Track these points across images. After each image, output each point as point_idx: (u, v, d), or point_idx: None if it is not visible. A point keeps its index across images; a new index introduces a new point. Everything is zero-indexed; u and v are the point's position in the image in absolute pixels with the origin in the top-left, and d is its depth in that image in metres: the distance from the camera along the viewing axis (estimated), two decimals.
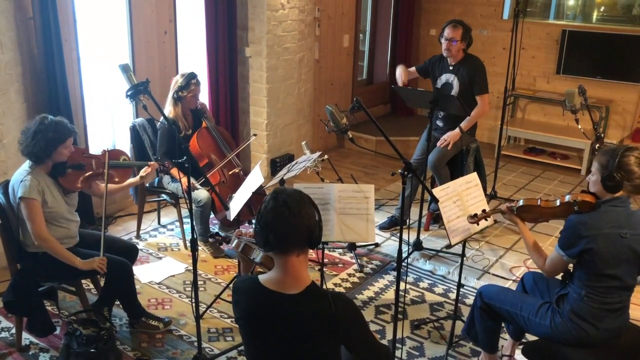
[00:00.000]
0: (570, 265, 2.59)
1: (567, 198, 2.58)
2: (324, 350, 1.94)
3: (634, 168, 2.40)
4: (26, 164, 2.99)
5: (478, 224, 2.87)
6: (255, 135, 4.59)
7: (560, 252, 2.52)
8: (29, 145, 2.90)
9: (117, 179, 3.30)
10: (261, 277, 1.96)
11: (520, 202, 2.75)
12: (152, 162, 3.42)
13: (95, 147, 4.53)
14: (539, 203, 2.69)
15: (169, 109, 4.13)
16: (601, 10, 6.35)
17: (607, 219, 2.44)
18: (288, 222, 1.84)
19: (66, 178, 3.06)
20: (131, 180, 3.42)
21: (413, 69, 4.58)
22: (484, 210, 2.87)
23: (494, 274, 4.09)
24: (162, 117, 2.94)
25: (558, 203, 2.61)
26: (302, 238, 1.88)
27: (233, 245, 2.53)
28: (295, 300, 1.88)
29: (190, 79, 4.06)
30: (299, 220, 1.86)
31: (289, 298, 1.89)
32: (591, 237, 2.41)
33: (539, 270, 2.75)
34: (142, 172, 3.40)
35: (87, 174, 3.13)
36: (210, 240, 4.17)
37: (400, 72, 4.37)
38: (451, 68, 4.34)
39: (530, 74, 6.72)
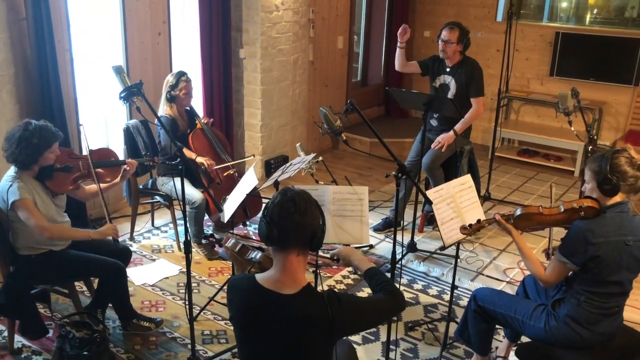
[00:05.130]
0: None
1: (572, 204, 2.48)
2: (317, 351, 1.94)
3: (625, 168, 2.40)
4: (11, 170, 2.95)
5: (471, 235, 2.79)
6: (253, 155, 4.67)
7: (563, 260, 2.46)
8: (14, 153, 2.86)
9: (108, 178, 3.28)
10: (258, 276, 1.95)
11: (518, 211, 2.62)
12: (130, 160, 3.39)
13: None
14: (540, 210, 2.57)
15: (163, 110, 4.12)
16: (594, 12, 6.38)
17: (614, 226, 2.42)
18: (293, 218, 1.86)
19: (54, 181, 3.03)
20: (114, 181, 3.37)
21: (414, 62, 4.59)
22: (478, 221, 2.73)
23: (487, 276, 4.09)
24: (157, 118, 2.91)
25: (562, 209, 2.52)
26: (304, 237, 1.89)
27: (230, 245, 2.51)
28: (290, 301, 1.88)
29: (180, 77, 4.06)
30: (304, 218, 1.87)
31: (284, 298, 1.88)
32: (598, 245, 2.38)
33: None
34: (126, 168, 3.36)
35: (74, 176, 3.11)
36: (204, 242, 4.17)
37: (401, 30, 4.38)
38: (448, 70, 4.35)
39: (524, 75, 6.74)
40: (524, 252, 2.62)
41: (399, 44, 4.45)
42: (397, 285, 3.75)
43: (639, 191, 2.46)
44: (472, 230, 2.70)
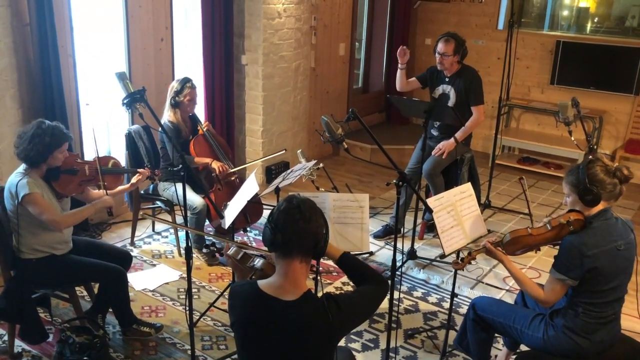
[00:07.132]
0: None
1: (559, 220, 2.50)
2: (318, 356, 1.96)
3: (602, 176, 2.44)
4: (20, 168, 3.00)
5: (463, 270, 2.83)
6: (285, 150, 4.66)
7: (560, 277, 2.45)
8: (25, 149, 2.93)
9: (112, 185, 3.31)
10: (260, 282, 1.98)
11: (508, 237, 2.62)
12: (142, 170, 3.45)
13: (91, 153, 4.53)
14: (529, 232, 2.57)
15: (167, 116, 4.14)
16: (595, 21, 6.41)
17: (603, 235, 2.44)
18: (298, 225, 1.89)
19: (60, 183, 3.07)
20: (123, 186, 3.44)
21: (413, 79, 4.61)
22: (469, 253, 2.76)
23: (487, 284, 4.10)
24: (160, 127, 2.94)
25: (549, 227, 2.53)
26: (308, 244, 1.93)
27: (231, 252, 2.52)
28: (291, 307, 1.91)
29: (185, 83, 4.08)
30: (309, 225, 1.91)
31: (285, 304, 1.91)
32: (594, 256, 2.40)
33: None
34: (134, 179, 3.44)
35: (80, 179, 3.15)
36: (205, 250, 4.17)
37: (400, 51, 4.43)
38: (447, 79, 4.38)
39: (525, 84, 6.76)
40: (518, 276, 2.61)
41: (400, 66, 4.46)
42: (397, 293, 3.77)
43: (619, 197, 2.50)
44: (464, 264, 2.75)
